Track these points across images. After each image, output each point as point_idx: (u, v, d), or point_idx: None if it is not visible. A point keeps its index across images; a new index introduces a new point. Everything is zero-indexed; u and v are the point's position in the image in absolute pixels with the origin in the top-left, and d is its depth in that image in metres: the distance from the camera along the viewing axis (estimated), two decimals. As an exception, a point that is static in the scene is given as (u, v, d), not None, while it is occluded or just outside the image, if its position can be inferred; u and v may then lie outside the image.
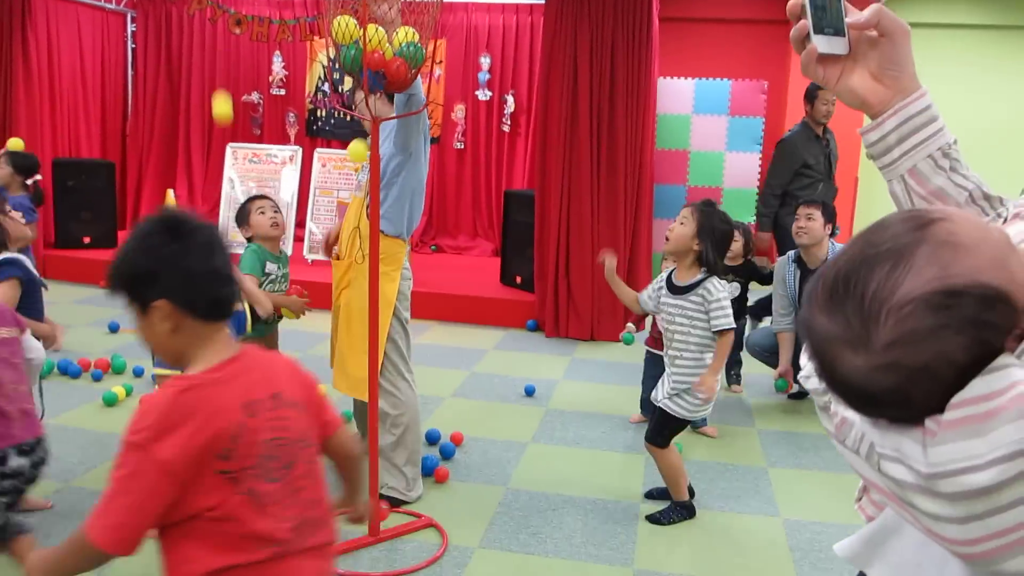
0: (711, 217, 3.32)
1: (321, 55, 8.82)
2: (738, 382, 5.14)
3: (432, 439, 4.02)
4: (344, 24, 2.61)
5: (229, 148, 7.98)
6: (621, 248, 6.18)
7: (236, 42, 9.11)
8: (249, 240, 3.62)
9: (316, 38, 7.60)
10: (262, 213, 3.60)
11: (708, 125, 8.01)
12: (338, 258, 3.46)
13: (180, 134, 9.39)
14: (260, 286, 3.56)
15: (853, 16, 1.07)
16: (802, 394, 5.01)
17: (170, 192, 8.57)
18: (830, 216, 4.62)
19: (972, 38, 9.11)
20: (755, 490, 3.72)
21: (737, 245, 4.98)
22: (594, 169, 6.14)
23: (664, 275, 3.51)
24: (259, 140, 9.06)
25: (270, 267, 3.59)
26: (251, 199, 3.71)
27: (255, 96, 9.15)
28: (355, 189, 3.49)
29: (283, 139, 9.03)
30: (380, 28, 2.65)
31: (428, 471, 3.65)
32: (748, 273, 5.03)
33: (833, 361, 0.81)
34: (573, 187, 6.16)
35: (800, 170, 5.72)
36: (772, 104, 8.54)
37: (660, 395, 3.37)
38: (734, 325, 3.30)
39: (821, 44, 1.05)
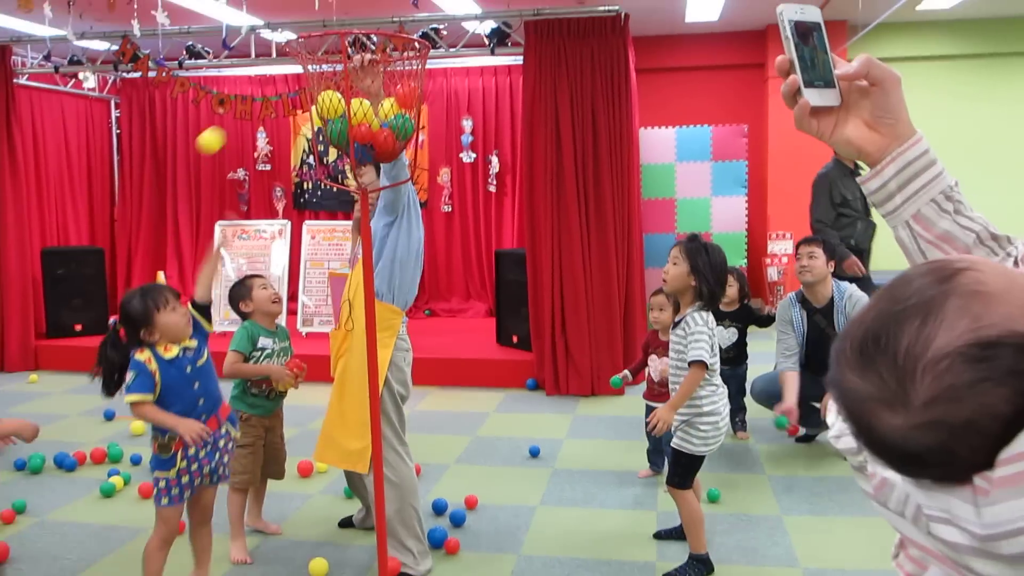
0: (700, 251, 3.34)
1: (305, 129, 8.90)
2: (744, 428, 5.08)
3: (439, 509, 3.95)
4: (329, 99, 2.62)
5: (218, 227, 7.98)
6: (616, 300, 6.17)
7: (220, 121, 9.18)
8: (246, 316, 3.66)
9: (300, 112, 7.66)
10: (264, 288, 3.69)
11: (692, 172, 8.08)
12: (338, 328, 3.44)
13: (168, 216, 9.42)
14: (255, 361, 3.56)
15: (842, 67, 1.06)
16: (809, 437, 4.96)
17: (160, 274, 8.56)
18: (831, 253, 4.60)
19: (942, 69, 9.25)
20: (772, 541, 3.64)
21: (732, 290, 4.97)
22: (583, 223, 6.15)
23: None
24: (246, 216, 9.09)
25: (263, 341, 3.62)
26: (250, 276, 3.78)
27: (241, 173, 9.20)
28: (350, 262, 3.48)
29: (271, 213, 9.06)
30: (365, 101, 2.65)
31: (438, 543, 3.57)
32: (745, 317, 5.01)
33: (870, 421, 0.78)
34: (563, 243, 6.17)
35: (838, 208, 5.66)
36: (753, 147, 8.62)
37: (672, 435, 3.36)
38: (704, 359, 3.22)
39: (813, 97, 1.04)
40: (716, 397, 3.30)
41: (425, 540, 3.41)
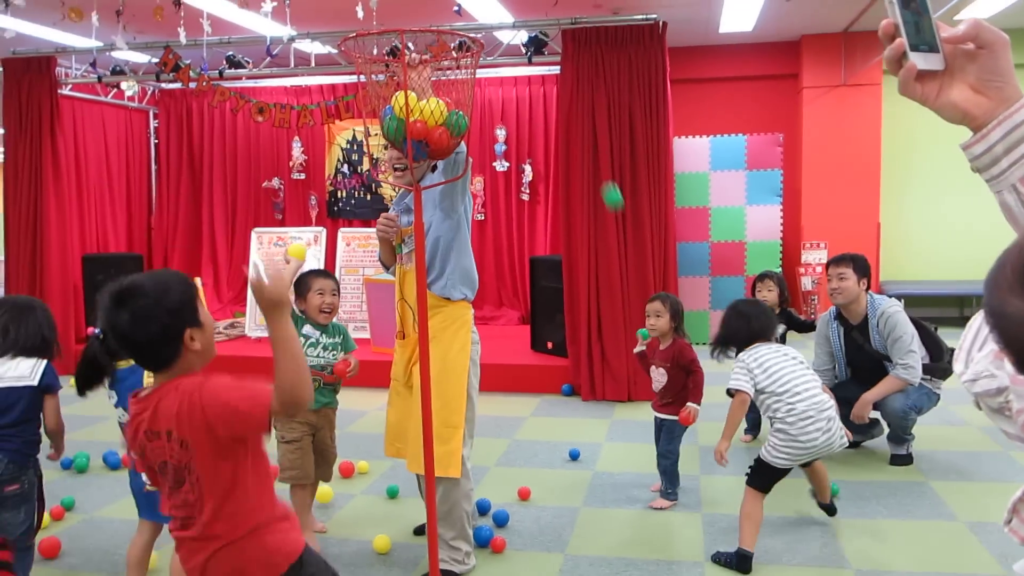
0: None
1: (339, 138, 8.99)
2: (756, 431, 5.05)
3: (483, 509, 3.95)
4: (397, 99, 2.67)
5: (254, 233, 8.08)
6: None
7: (256, 131, 9.32)
8: (301, 312, 3.64)
9: (337, 121, 7.75)
10: (320, 294, 3.62)
11: (726, 181, 8.08)
12: (403, 337, 3.43)
13: (204, 223, 9.54)
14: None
15: (949, 31, 1.07)
16: (855, 444, 4.91)
17: (197, 280, 8.66)
18: (863, 271, 4.55)
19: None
20: (822, 543, 3.62)
21: (772, 295, 4.98)
22: (620, 231, 6.17)
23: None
24: (281, 224, 9.19)
25: (307, 329, 3.61)
26: (313, 274, 3.67)
27: (276, 182, 9.31)
28: (403, 262, 3.47)
29: (305, 221, 9.15)
30: (433, 99, 2.69)
31: (484, 542, 3.58)
32: (785, 322, 4.99)
33: None
34: (600, 250, 6.18)
35: None
36: (788, 156, 8.61)
37: None
38: (737, 388, 3.50)
39: (919, 61, 1.05)
40: (792, 419, 3.39)
41: (471, 540, 3.42)
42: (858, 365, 4.60)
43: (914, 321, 4.58)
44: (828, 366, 4.68)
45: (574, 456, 4.81)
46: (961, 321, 9.12)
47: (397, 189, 8.82)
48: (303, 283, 3.63)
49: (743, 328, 3.62)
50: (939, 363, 4.59)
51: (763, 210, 8.05)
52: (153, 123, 9.68)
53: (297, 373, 1.76)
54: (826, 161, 8.91)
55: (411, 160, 2.78)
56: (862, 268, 4.54)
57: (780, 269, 8.08)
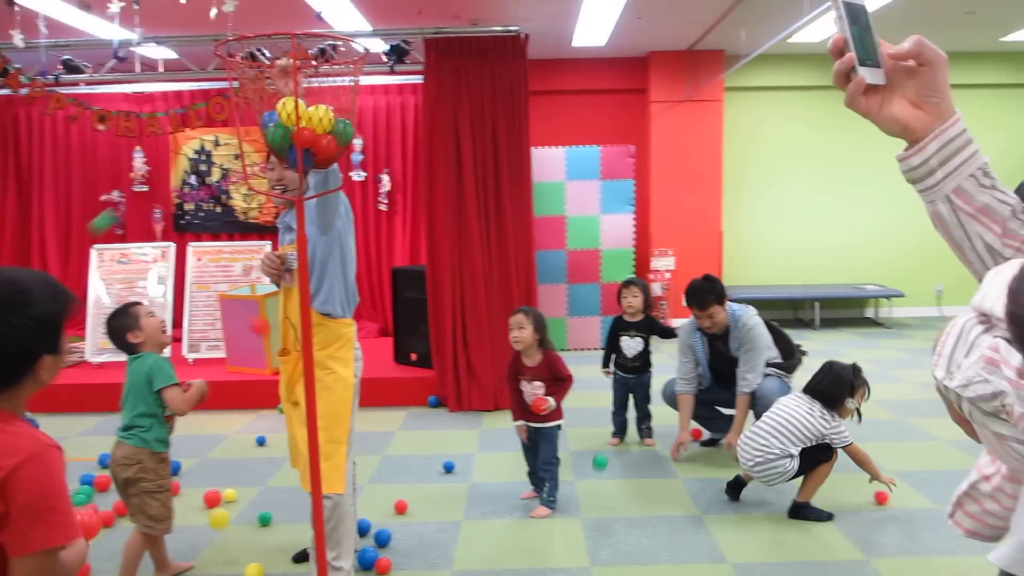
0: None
1: (186, 148, 8.58)
2: (650, 435, 5.21)
3: (363, 530, 3.86)
4: (286, 105, 2.56)
5: (94, 251, 7.57)
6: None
7: (92, 140, 8.76)
8: (134, 348, 3.37)
9: (187, 130, 7.38)
10: (152, 315, 3.42)
11: (582, 190, 8.28)
12: (286, 353, 3.29)
13: (34, 240, 8.89)
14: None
15: (893, 48, 1.13)
16: (713, 441, 5.14)
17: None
18: (722, 299, 4.68)
19: (812, 98, 9.85)
20: (696, 539, 3.76)
21: (637, 300, 5.14)
22: (484, 240, 6.19)
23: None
24: (122, 239, 8.66)
25: None
26: (132, 304, 3.44)
27: (115, 195, 8.77)
28: (285, 280, 3.33)
29: (148, 236, 8.67)
30: (321, 107, 2.61)
31: (368, 564, 3.50)
32: (649, 328, 5.16)
33: None
34: (464, 260, 6.19)
35: None
36: (639, 167, 8.92)
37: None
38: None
39: (866, 75, 1.10)
40: None
41: (352, 559, 3.33)
42: (721, 369, 4.81)
43: (767, 324, 4.84)
44: (693, 374, 4.82)
45: (449, 469, 4.78)
46: (796, 322, 9.73)
47: (250, 201, 8.47)
48: (128, 316, 3.37)
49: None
50: (791, 360, 4.87)
51: (617, 219, 8.30)
52: (-27, 131, 8.91)
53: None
54: (673, 172, 9.30)
55: (301, 168, 2.69)
56: (721, 297, 4.68)
57: (632, 276, 8.36)
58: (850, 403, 3.97)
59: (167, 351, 4.38)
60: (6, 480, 1.46)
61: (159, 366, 3.32)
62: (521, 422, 4.13)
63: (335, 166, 3.00)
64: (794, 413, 3.93)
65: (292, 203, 3.36)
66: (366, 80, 8.17)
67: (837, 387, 3.95)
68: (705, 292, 4.63)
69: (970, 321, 1.00)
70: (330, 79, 2.95)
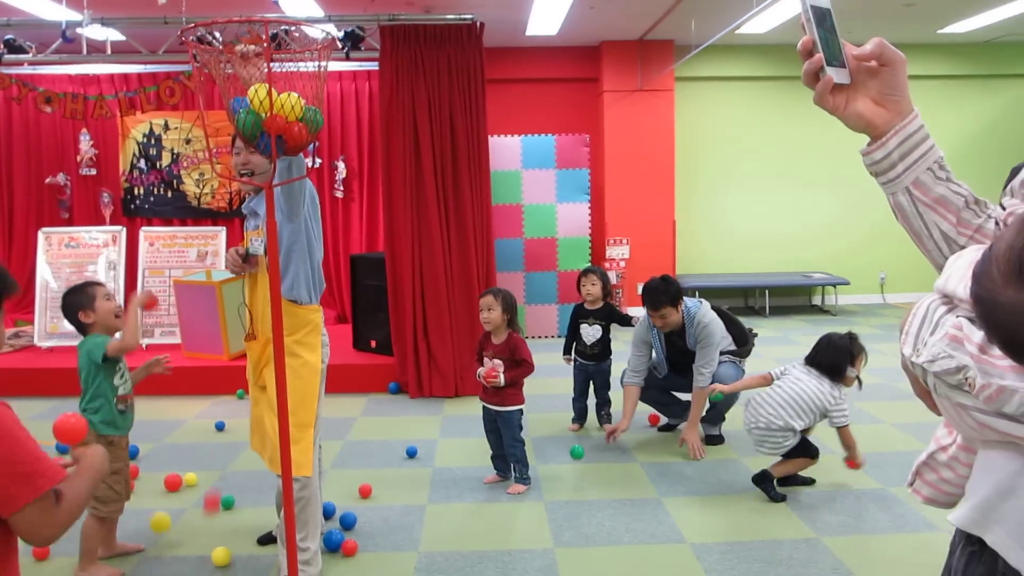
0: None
1: (135, 131, 8.43)
2: (609, 421, 5.31)
3: (328, 513, 3.88)
4: (258, 91, 2.57)
5: (41, 234, 7.41)
6: (476, 302, 6.25)
7: (36, 122, 8.56)
8: (85, 328, 3.36)
9: (139, 113, 7.26)
10: (108, 299, 3.39)
11: (538, 179, 8.34)
12: (252, 338, 3.29)
13: (-24, 224, 8.64)
14: (120, 376, 3.36)
15: (856, 49, 1.21)
16: (671, 426, 5.26)
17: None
18: (677, 300, 4.74)
19: (758, 88, 10.04)
20: (656, 520, 3.86)
21: (596, 288, 5.22)
22: (443, 228, 6.22)
23: None
24: (69, 223, 8.49)
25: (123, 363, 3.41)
26: (91, 284, 3.43)
27: (61, 177, 8.59)
28: (251, 266, 3.34)
29: (96, 220, 8.50)
30: (292, 94, 2.62)
31: (335, 546, 3.53)
32: (608, 315, 5.25)
33: None
34: (424, 247, 6.21)
35: None
36: (594, 156, 9.01)
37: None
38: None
39: (833, 75, 1.18)
40: None
41: (319, 542, 3.36)
42: (677, 360, 4.92)
43: (720, 311, 4.96)
44: (644, 367, 4.90)
45: (411, 454, 4.82)
46: (747, 309, 9.95)
47: (203, 186, 8.37)
48: (83, 295, 3.36)
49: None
50: (744, 346, 5.00)
51: (573, 208, 8.39)
52: (-91, 111, 8.62)
53: (75, 517, 1.61)
54: (626, 162, 9.42)
55: (275, 155, 2.69)
56: (676, 299, 4.73)
57: (589, 264, 8.46)
58: (851, 371, 4.10)
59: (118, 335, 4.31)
60: None
61: (96, 342, 3.31)
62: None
63: (300, 154, 3.01)
64: (805, 387, 4.05)
65: (259, 189, 3.36)
66: (311, 67, 8.10)
67: (838, 358, 4.08)
68: (659, 293, 4.69)
69: (935, 303, 1.09)
70: (294, 65, 2.95)
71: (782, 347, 7.72)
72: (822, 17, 1.20)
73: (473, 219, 6.28)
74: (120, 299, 7.07)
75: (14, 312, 8.29)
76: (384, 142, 6.29)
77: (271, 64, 3.04)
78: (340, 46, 6.60)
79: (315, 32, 2.88)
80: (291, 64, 2.95)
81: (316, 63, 2.90)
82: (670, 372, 4.99)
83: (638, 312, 5.25)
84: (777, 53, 9.83)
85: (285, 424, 2.93)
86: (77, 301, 3.34)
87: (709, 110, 10.01)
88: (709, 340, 4.71)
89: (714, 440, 4.97)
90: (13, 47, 6.76)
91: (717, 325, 4.78)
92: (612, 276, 9.05)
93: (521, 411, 4.25)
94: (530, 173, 8.33)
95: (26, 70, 7.63)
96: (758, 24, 8.39)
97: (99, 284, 3.46)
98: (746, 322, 5.29)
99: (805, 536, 3.68)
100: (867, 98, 1.22)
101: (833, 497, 4.13)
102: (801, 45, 1.21)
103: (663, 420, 5.30)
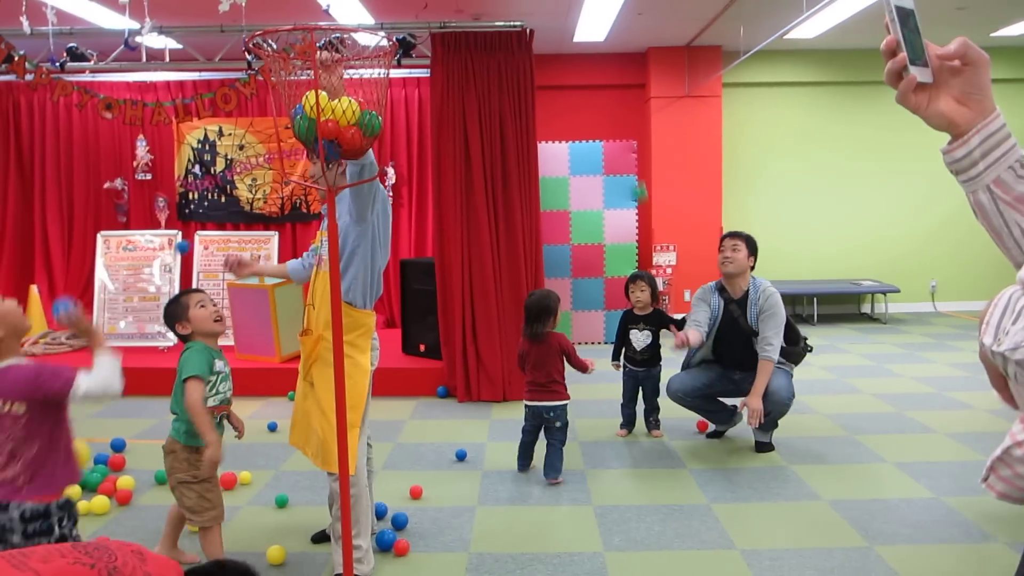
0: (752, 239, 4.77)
1: (190, 137, 8.62)
2: (657, 427, 5.31)
3: (380, 514, 3.95)
4: (312, 98, 2.63)
5: (100, 237, 7.61)
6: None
7: (95, 128, 8.79)
8: (187, 338, 3.38)
9: (194, 119, 7.43)
10: (202, 307, 3.35)
11: (585, 185, 8.36)
12: (306, 333, 3.36)
13: (36, 227, 8.91)
14: (211, 386, 3.36)
15: (940, 48, 1.22)
16: (719, 433, 5.24)
17: (33, 288, 8.07)
18: (753, 250, 4.86)
19: (805, 94, 9.96)
20: (705, 527, 3.85)
21: (645, 294, 5.23)
22: (493, 233, 6.27)
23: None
24: (126, 227, 8.70)
25: (218, 364, 3.36)
26: (186, 293, 3.44)
27: (119, 182, 8.81)
28: (316, 264, 3.43)
29: (152, 224, 8.71)
30: (345, 99, 2.69)
31: (387, 546, 3.59)
32: (658, 321, 5.25)
33: None
34: (473, 252, 6.27)
35: None
36: (641, 162, 9.01)
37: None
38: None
39: (918, 74, 1.19)
40: None
41: (369, 540, 3.41)
42: (724, 338, 4.87)
43: None
44: (704, 324, 4.81)
45: (461, 456, 4.87)
46: (795, 318, 9.85)
47: (255, 191, 8.52)
48: (177, 306, 3.36)
49: None
50: (795, 347, 4.96)
51: (620, 214, 8.39)
52: (-25, 118, 8.92)
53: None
54: (674, 168, 9.39)
55: (323, 160, 2.76)
56: (753, 247, 4.85)
57: (636, 270, 8.46)
58: None
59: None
60: None
61: (187, 356, 3.30)
62: None
63: (370, 157, 3.07)
64: None
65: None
66: (370, 73, 8.22)
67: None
68: (739, 231, 4.97)
69: (1017, 292, 1.12)
70: (356, 72, 3.02)
71: (831, 355, 7.64)
72: (906, 17, 1.22)
73: (522, 225, 6.33)
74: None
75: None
76: (435, 148, 6.37)
77: (338, 71, 3.13)
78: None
79: (371, 39, 2.94)
80: (352, 71, 3.03)
81: (377, 69, 2.97)
82: (716, 374, 4.95)
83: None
84: (826, 58, 9.75)
85: (343, 425, 2.99)
86: (173, 313, 3.35)
87: (757, 116, 9.95)
88: (775, 309, 4.70)
89: (764, 447, 4.94)
90: (75, 55, 6.98)
91: (780, 300, 4.76)
92: (659, 283, 9.02)
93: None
94: (578, 179, 8.35)
95: (86, 77, 7.86)
96: (807, 29, 8.33)
97: (195, 292, 3.43)
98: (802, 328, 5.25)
99: (857, 544, 3.65)
100: (949, 97, 1.23)
101: (885, 506, 4.09)
102: (885, 45, 1.23)
103: (711, 427, 5.28)
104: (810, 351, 5.09)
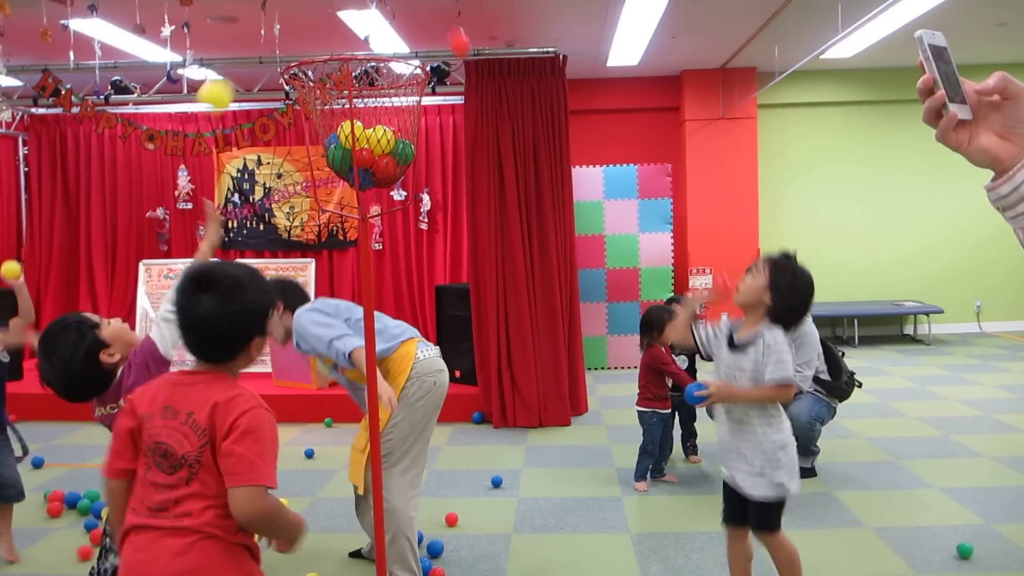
0: (786, 269, 3.08)
1: (230, 167, 8.77)
2: (695, 452, 5.24)
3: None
4: (343, 128, 2.66)
5: (142, 266, 7.75)
6: (561, 332, 6.30)
7: (138, 159, 8.97)
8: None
9: (234, 149, 7.56)
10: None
11: (620, 209, 8.34)
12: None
13: (81, 255, 9.10)
14: None
15: (977, 84, 1.19)
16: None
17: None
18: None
19: (841, 114, 9.87)
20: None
21: (681, 319, 5.16)
22: (527, 258, 6.28)
23: (726, 328, 3.20)
24: (167, 255, 8.85)
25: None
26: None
27: (160, 212, 8.97)
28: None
29: (193, 253, 8.76)
30: (380, 128, 2.72)
31: (423, 574, 3.56)
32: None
33: None
34: (508, 278, 6.27)
35: None
36: (676, 185, 8.98)
37: (743, 486, 2.97)
38: (791, 378, 2.96)
39: (958, 111, 1.17)
40: (786, 424, 2.98)
41: (419, 572, 3.40)
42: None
43: (821, 340, 4.85)
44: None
45: (496, 483, 4.84)
46: (835, 339, 9.70)
47: (293, 219, 8.62)
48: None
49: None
50: (837, 382, 4.88)
51: (655, 237, 8.36)
52: (23, 150, 9.16)
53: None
54: (709, 190, 9.34)
55: (357, 188, 2.78)
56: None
57: (673, 294, 8.40)
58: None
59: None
60: (236, 422, 1.81)
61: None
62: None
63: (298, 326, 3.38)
64: None
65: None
66: (403, 101, 8.31)
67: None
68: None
69: None
70: (389, 100, 3.06)
71: (873, 378, 7.50)
72: (939, 53, 1.19)
73: (557, 250, 6.33)
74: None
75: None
76: (469, 174, 6.40)
77: (366, 100, 3.17)
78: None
79: (405, 68, 2.97)
80: (386, 100, 3.06)
81: (410, 97, 3.00)
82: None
83: None
84: (862, 77, 9.66)
85: (377, 445, 2.99)
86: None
87: (793, 137, 9.88)
88: (803, 340, 4.62)
89: (806, 473, 4.85)
90: (120, 88, 7.16)
91: (806, 339, 4.67)
92: (696, 307, 8.94)
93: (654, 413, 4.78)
94: (612, 203, 8.34)
95: (130, 109, 8.04)
96: (843, 49, 8.26)
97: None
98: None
99: (904, 573, 3.56)
100: (990, 132, 1.20)
101: (932, 533, 3.99)
102: (921, 83, 1.20)
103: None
104: (859, 387, 4.98)
